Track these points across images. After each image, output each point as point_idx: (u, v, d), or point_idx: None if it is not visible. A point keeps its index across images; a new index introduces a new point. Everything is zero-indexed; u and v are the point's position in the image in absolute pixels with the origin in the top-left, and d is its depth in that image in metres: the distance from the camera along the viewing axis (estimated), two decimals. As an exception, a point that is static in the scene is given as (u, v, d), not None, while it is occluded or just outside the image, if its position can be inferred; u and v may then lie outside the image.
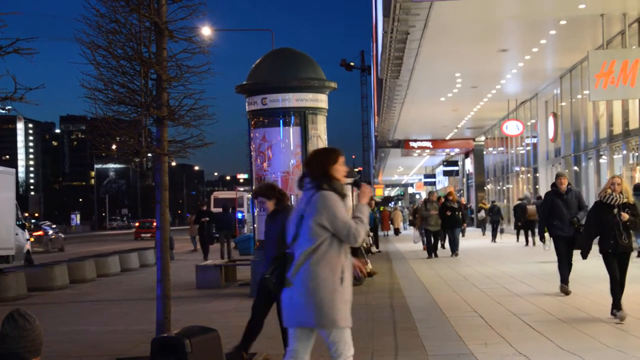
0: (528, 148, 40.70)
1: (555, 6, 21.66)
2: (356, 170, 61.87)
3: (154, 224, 66.84)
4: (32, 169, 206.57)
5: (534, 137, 38.86)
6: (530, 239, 29.69)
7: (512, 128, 39.43)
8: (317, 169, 5.84)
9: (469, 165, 61.67)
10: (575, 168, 30.36)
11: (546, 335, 9.50)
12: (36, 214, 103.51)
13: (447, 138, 55.09)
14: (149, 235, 55.53)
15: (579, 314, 11.22)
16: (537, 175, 38.08)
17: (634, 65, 20.84)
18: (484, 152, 55.22)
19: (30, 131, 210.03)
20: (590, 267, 13.25)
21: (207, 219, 28.17)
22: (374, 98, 66.44)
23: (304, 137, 14.68)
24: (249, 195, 40.86)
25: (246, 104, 15.11)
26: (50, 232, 44.31)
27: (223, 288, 17.12)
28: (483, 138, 54.57)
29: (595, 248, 10.94)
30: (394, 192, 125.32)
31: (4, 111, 8.80)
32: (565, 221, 13.26)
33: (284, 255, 5.89)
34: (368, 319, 11.62)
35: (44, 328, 4.08)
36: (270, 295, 8.17)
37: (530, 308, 12.04)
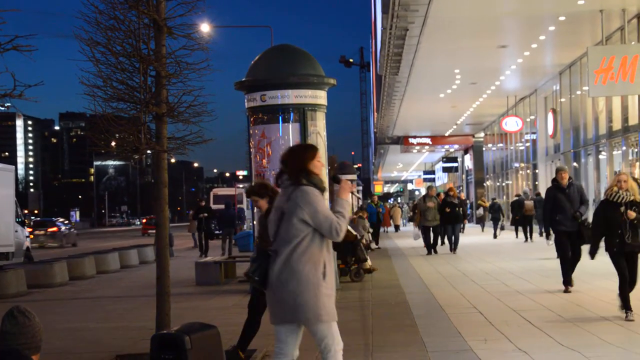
0: (527, 144, 40.71)
1: (554, 2, 21.67)
2: (355, 166, 61.81)
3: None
4: (31, 165, 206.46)
5: (534, 133, 38.88)
6: (528, 234, 29.88)
7: (511, 124, 39.44)
8: (295, 165, 5.84)
9: (468, 161, 61.70)
10: (575, 164, 30.37)
11: (546, 331, 9.51)
12: (36, 211, 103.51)
13: (446, 134, 55.11)
14: (154, 231, 56.32)
15: (579, 310, 11.23)
16: (537, 171, 38.10)
17: (634, 61, 20.84)
18: (484, 149, 55.25)
19: (30, 128, 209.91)
20: (592, 264, 13.16)
21: (206, 214, 28.18)
22: (373, 94, 66.46)
23: (303, 134, 14.67)
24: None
25: (245, 100, 15.10)
26: (63, 228, 45.65)
27: (223, 285, 17.12)
28: (482, 134, 54.60)
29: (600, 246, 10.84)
30: (393, 189, 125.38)
31: (3, 108, 8.79)
32: (567, 216, 13.09)
33: (266, 252, 5.90)
34: (368, 315, 11.62)
35: (43, 325, 4.08)
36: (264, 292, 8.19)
37: (530, 304, 12.05)
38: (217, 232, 33.23)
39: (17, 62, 8.30)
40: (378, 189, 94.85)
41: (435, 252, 24.03)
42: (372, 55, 64.63)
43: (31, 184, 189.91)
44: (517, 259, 20.94)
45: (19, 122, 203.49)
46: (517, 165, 43.32)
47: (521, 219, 30.84)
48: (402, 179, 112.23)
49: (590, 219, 13.30)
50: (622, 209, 10.17)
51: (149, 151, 8.86)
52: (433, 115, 44.66)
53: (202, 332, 7.17)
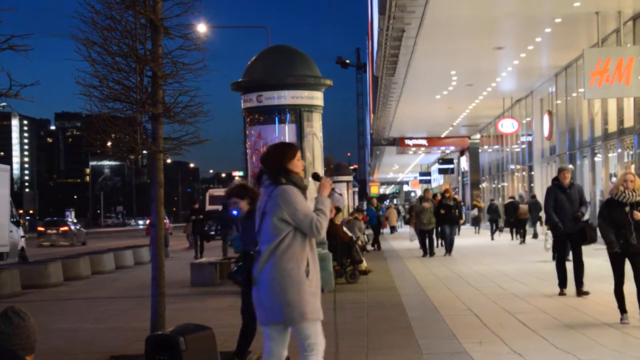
0: (523, 146, 40.76)
1: (550, 4, 21.69)
2: (351, 168, 61.83)
3: (165, 220, 70.02)
4: (26, 165, 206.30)
5: (529, 135, 38.91)
6: (521, 237, 30.33)
7: (507, 126, 39.47)
8: (274, 164, 5.82)
9: (464, 163, 61.74)
10: (571, 166, 30.39)
11: (541, 333, 9.51)
12: (31, 211, 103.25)
13: (442, 136, 55.15)
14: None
15: (575, 313, 11.22)
16: (532, 173, 38.13)
17: (629, 63, 20.87)
18: (479, 150, 55.29)
19: (25, 128, 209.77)
20: (588, 266, 13.19)
21: (201, 216, 28.13)
22: (369, 96, 66.50)
23: (300, 135, 14.67)
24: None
25: (242, 101, 15.09)
26: (74, 227, 47.99)
27: (218, 286, 17.10)
28: (478, 136, 54.63)
29: (597, 247, 10.71)
30: (389, 190, 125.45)
31: (-2, 108, 8.77)
32: (567, 216, 12.83)
33: (249, 253, 5.89)
34: (363, 317, 11.61)
35: (38, 325, 4.07)
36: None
37: (525, 307, 12.05)
38: (212, 233, 33.19)
39: (13, 61, 8.28)
40: (374, 190, 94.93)
41: (432, 254, 23.93)
42: (368, 57, 64.67)
43: (26, 184, 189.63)
44: (512, 261, 20.95)
45: (15, 122, 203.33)
46: (512, 167, 43.36)
47: (515, 222, 31.09)
48: (398, 180, 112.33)
49: (591, 220, 13.28)
50: (627, 209, 9.86)
51: (145, 151, 8.85)
52: (429, 117, 44.69)
53: (197, 333, 7.15)
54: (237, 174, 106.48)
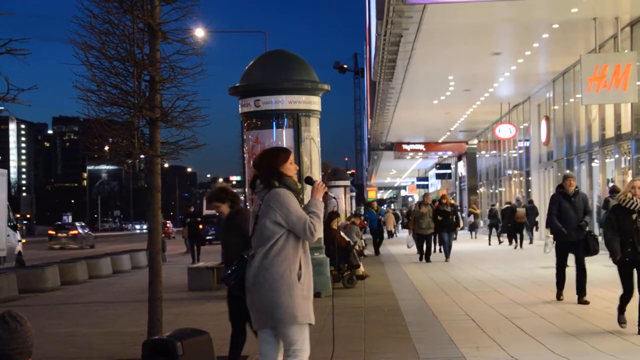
0: (520, 151, 40.77)
1: (548, 10, 21.70)
2: (349, 172, 61.87)
3: (168, 224, 69.05)
4: (24, 170, 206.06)
5: (527, 140, 38.93)
6: (519, 241, 30.48)
7: (504, 131, 39.49)
8: (267, 167, 5.83)
9: (461, 168, 61.76)
10: (568, 172, 30.42)
11: (538, 339, 9.51)
12: (28, 215, 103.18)
13: (439, 141, 55.17)
14: (162, 235, 58.05)
15: (572, 318, 11.23)
16: (530, 178, 38.14)
17: (626, 69, 20.89)
18: (477, 155, 55.31)
19: (23, 132, 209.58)
20: (589, 273, 13.12)
21: (199, 219, 28.10)
22: (367, 100, 66.51)
23: (297, 140, 14.68)
24: (242, 197, 40.85)
25: (239, 105, 15.10)
26: (82, 231, 50.11)
27: (215, 290, 17.08)
28: (476, 141, 54.66)
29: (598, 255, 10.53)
30: (386, 195, 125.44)
31: (-4, 112, 8.79)
32: (572, 225, 12.54)
33: (243, 257, 5.88)
34: (360, 321, 11.60)
35: (35, 330, 4.06)
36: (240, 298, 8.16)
37: (522, 312, 12.05)
38: (208, 237, 33.18)
39: (10, 65, 8.29)
40: (371, 195, 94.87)
41: (428, 260, 23.84)
42: (366, 62, 64.72)
43: (24, 188, 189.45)
44: (510, 267, 20.94)
45: (12, 126, 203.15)
46: (510, 172, 43.38)
47: (512, 227, 31.19)
48: (396, 185, 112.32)
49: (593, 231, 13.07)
50: (635, 216, 9.61)
51: (142, 156, 8.85)
52: (427, 122, 44.70)
53: (194, 338, 7.15)
54: (235, 178, 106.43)
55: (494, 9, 21.39)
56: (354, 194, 61.83)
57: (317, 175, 14.98)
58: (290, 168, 5.85)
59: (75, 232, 49.25)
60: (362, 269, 17.24)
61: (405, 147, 55.06)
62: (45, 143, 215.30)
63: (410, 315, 12.20)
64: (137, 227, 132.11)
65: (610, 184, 25.04)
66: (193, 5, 8.66)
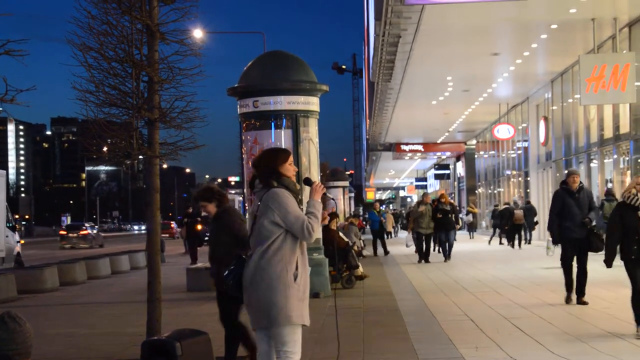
0: (519, 152, 40.80)
1: (546, 10, 21.72)
2: (347, 173, 61.85)
3: (172, 225, 70.55)
4: (22, 170, 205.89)
5: (525, 140, 38.96)
6: (517, 242, 30.58)
7: (503, 132, 39.52)
8: (266, 167, 5.83)
9: (460, 168, 61.81)
10: (566, 172, 30.44)
11: (537, 339, 9.51)
12: (27, 216, 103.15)
13: (438, 141, 55.20)
14: (167, 235, 60.19)
15: (571, 319, 11.24)
16: (528, 179, 38.17)
17: (625, 69, 20.91)
18: (475, 156, 55.34)
19: (21, 133, 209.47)
20: (589, 273, 13.08)
21: (198, 219, 28.04)
22: (365, 101, 66.54)
23: (296, 140, 14.68)
24: (240, 198, 40.88)
25: (238, 106, 15.10)
26: (92, 231, 52.77)
27: (214, 291, 17.03)
28: (474, 141, 54.69)
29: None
30: (385, 195, 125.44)
31: (-6, 113, 8.79)
32: (576, 222, 12.24)
33: (241, 257, 5.88)
34: (359, 322, 11.60)
35: (33, 331, 4.07)
36: (228, 298, 8.17)
37: (521, 312, 12.05)
38: (207, 237, 33.10)
39: (9, 66, 8.29)
40: (370, 195, 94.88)
41: (427, 261, 23.78)
42: (364, 62, 64.74)
43: (22, 189, 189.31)
44: (509, 267, 20.95)
45: (11, 127, 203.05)
46: (508, 172, 43.40)
47: (510, 228, 31.33)
48: (394, 185, 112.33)
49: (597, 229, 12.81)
50: None
51: (141, 156, 8.85)
52: (425, 122, 44.73)
53: (193, 339, 7.15)
54: (234, 179, 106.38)
55: (492, 9, 21.41)
56: (352, 194, 61.83)
57: (315, 176, 14.98)
58: (289, 169, 5.84)
59: (85, 232, 51.66)
60: (360, 269, 17.24)
61: (403, 147, 55.08)
62: (44, 144, 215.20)
63: (409, 315, 12.20)
64: (136, 227, 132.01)
65: (609, 185, 25.07)
66: (191, 6, 8.67)
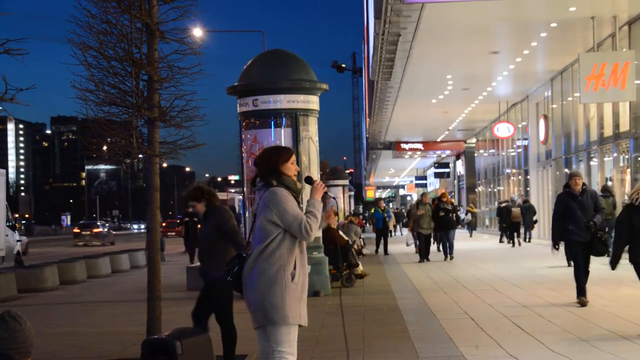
0: (519, 150, 40.78)
1: (546, 9, 21.71)
2: (347, 172, 61.85)
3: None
4: (22, 169, 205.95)
5: (525, 139, 38.95)
6: (516, 240, 30.76)
7: (503, 130, 39.50)
8: (267, 166, 5.79)
9: (460, 167, 61.80)
10: (566, 170, 30.42)
11: (537, 337, 9.51)
12: (26, 215, 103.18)
13: (438, 140, 55.18)
14: (174, 234, 60.26)
15: (571, 317, 11.23)
16: (528, 177, 38.16)
17: (625, 67, 20.89)
18: (475, 154, 55.32)
19: (21, 132, 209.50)
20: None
21: (195, 219, 28.03)
22: (365, 100, 66.54)
23: (296, 139, 14.68)
24: (240, 197, 40.88)
25: (237, 105, 15.10)
26: (103, 229, 55.24)
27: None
28: (474, 140, 54.67)
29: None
30: (385, 194, 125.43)
31: (-6, 112, 8.79)
32: (581, 225, 11.99)
33: (241, 255, 5.87)
34: (359, 320, 11.61)
35: (34, 329, 4.07)
36: (215, 297, 8.19)
37: (521, 310, 12.05)
38: None
39: (8, 65, 8.29)
40: (370, 194, 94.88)
41: (428, 259, 23.71)
42: (364, 61, 64.73)
43: (22, 188, 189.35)
44: (509, 265, 20.95)
45: (10, 126, 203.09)
46: (508, 171, 43.39)
47: (508, 226, 31.47)
48: (394, 184, 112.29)
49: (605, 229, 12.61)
50: None
51: (140, 155, 8.85)
52: (425, 121, 44.71)
53: (193, 338, 7.15)
54: (233, 177, 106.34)
55: (492, 8, 21.40)
56: (352, 193, 61.81)
57: (315, 175, 14.98)
58: (290, 168, 5.79)
59: (97, 230, 54.12)
60: (360, 268, 17.25)
61: (403, 146, 55.06)
62: (44, 143, 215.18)
63: (410, 314, 12.21)
64: (135, 226, 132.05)
65: (609, 183, 25.07)
66: (191, 5, 8.66)
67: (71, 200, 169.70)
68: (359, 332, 10.43)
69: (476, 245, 33.22)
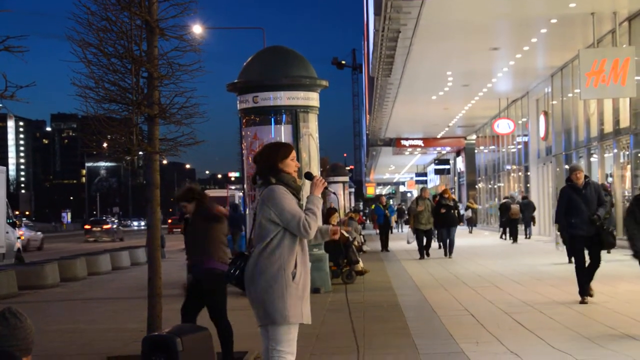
0: (519, 146, 40.79)
1: (546, 5, 21.72)
2: (347, 168, 61.85)
3: None
4: (22, 167, 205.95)
5: (525, 135, 38.95)
6: (513, 236, 30.85)
7: (503, 126, 39.50)
8: (265, 164, 5.72)
9: (460, 163, 61.79)
10: (567, 166, 30.44)
11: (537, 333, 9.51)
12: (27, 212, 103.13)
13: (438, 136, 55.18)
14: (179, 230, 61.43)
15: (571, 313, 11.23)
16: (528, 173, 38.17)
17: (625, 63, 20.90)
18: (475, 151, 55.32)
19: (21, 129, 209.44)
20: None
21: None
22: (365, 96, 66.54)
23: (296, 136, 14.68)
24: (240, 194, 40.88)
25: (237, 102, 15.10)
26: (112, 226, 57.13)
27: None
28: (474, 136, 54.67)
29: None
30: (385, 191, 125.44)
31: (-6, 109, 8.78)
32: (584, 219, 11.77)
33: (243, 254, 5.86)
34: (359, 317, 11.61)
35: (34, 326, 4.07)
36: (205, 291, 8.20)
37: (521, 306, 12.06)
38: None
39: (8, 62, 8.30)
40: (370, 191, 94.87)
41: (428, 255, 23.66)
42: (364, 57, 64.72)
43: (22, 185, 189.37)
44: (509, 262, 20.95)
45: (10, 123, 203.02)
46: (509, 167, 43.39)
47: (507, 222, 31.52)
48: (395, 181, 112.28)
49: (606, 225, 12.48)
50: None
51: (141, 152, 8.85)
52: (425, 117, 44.71)
53: (193, 334, 7.15)
54: (234, 174, 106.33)
55: (492, 4, 21.42)
56: (352, 189, 61.82)
57: (315, 172, 14.98)
58: (290, 164, 5.71)
59: (107, 226, 56.44)
60: (361, 264, 17.25)
61: (403, 142, 55.06)
62: (44, 140, 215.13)
63: (410, 310, 12.22)
64: (135, 223, 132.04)
65: (609, 179, 25.08)
66: (191, 2, 8.65)
67: (71, 198, 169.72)
68: (360, 329, 10.42)
69: (476, 241, 33.23)
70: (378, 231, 31.10)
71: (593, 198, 11.90)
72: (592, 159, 27.70)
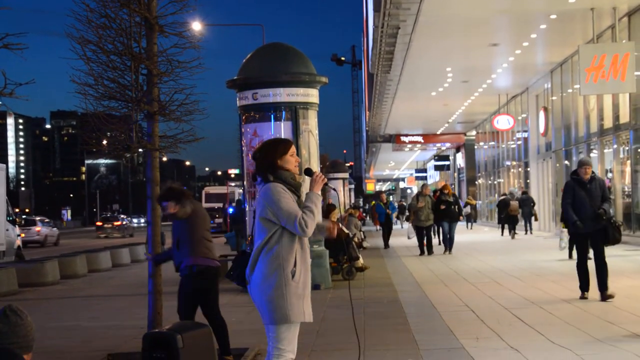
0: (519, 142, 40.77)
1: (545, 0, 21.71)
2: (347, 165, 61.86)
3: None
4: (22, 164, 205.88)
5: (525, 131, 38.94)
6: (505, 231, 31.35)
7: (503, 122, 39.49)
8: (263, 161, 5.64)
9: (460, 159, 61.78)
10: (566, 162, 30.45)
11: (537, 329, 9.52)
12: (27, 210, 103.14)
13: (438, 133, 55.17)
14: None
15: (572, 309, 11.24)
16: (528, 169, 38.16)
17: (624, 59, 20.88)
18: (475, 147, 55.32)
19: (21, 127, 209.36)
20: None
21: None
22: (365, 93, 66.51)
23: (295, 132, 14.68)
24: (240, 191, 40.89)
25: (237, 99, 15.09)
26: (123, 222, 59.92)
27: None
28: (474, 132, 54.67)
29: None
30: (385, 187, 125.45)
31: (-6, 106, 8.80)
32: (587, 214, 11.60)
33: (244, 252, 5.84)
34: (360, 313, 11.62)
35: (35, 324, 4.07)
36: (193, 293, 8.21)
37: (521, 302, 12.07)
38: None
39: (7, 60, 8.31)
40: (370, 187, 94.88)
41: (430, 252, 23.55)
42: (363, 54, 64.69)
43: (22, 183, 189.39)
44: (509, 258, 20.95)
45: (10, 121, 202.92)
46: (508, 163, 43.39)
47: (506, 218, 31.55)
48: (394, 177, 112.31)
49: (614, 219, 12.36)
50: None
51: (140, 149, 8.85)
52: (425, 114, 44.70)
53: (194, 331, 7.15)
54: (233, 171, 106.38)
55: (491, 0, 21.39)
56: (352, 186, 61.79)
57: (315, 168, 14.98)
58: (289, 160, 5.62)
59: (118, 223, 58.97)
60: (361, 260, 17.25)
61: (403, 139, 55.05)
62: (44, 137, 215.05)
63: (410, 306, 12.22)
64: (135, 220, 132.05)
65: (609, 175, 25.07)
66: (189, -1, 8.65)
67: (71, 195, 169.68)
68: (360, 325, 10.43)
69: (476, 237, 33.24)
70: (378, 227, 30.98)
71: (597, 193, 11.73)
72: (592, 155, 27.68)
